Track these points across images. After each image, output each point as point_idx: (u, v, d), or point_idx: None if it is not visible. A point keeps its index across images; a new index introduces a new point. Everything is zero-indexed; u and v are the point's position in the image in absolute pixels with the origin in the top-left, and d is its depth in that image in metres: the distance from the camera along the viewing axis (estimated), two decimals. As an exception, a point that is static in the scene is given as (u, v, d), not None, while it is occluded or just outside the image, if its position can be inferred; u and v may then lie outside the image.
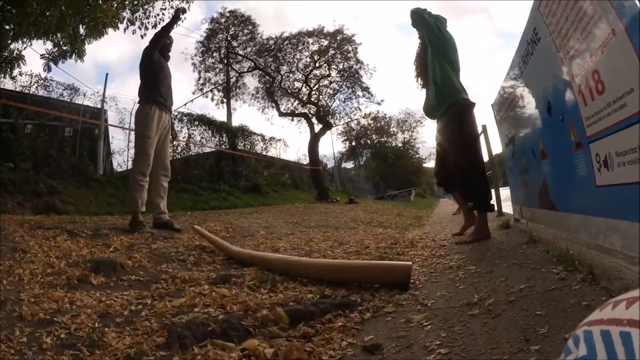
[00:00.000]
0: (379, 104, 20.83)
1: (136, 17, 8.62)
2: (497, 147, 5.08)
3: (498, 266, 2.30)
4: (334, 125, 20.12)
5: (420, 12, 3.58)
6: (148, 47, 4.59)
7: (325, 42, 18.31)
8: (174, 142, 11.99)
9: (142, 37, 8.73)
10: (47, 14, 7.10)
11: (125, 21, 8.52)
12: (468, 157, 3.37)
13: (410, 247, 3.58)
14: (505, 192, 5.49)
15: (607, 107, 1.55)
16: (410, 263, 2.31)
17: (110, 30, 8.32)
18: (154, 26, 8.88)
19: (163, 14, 9.03)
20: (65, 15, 7.12)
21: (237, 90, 19.45)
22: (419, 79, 3.97)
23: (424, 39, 3.76)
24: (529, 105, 2.92)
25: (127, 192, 4.52)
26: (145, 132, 4.28)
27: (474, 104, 3.50)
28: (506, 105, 3.82)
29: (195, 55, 19.01)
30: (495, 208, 3.89)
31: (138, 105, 4.52)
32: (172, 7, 9.16)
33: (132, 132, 4.34)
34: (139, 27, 8.70)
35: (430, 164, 43.90)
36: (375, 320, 1.73)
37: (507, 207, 5.46)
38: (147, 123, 4.29)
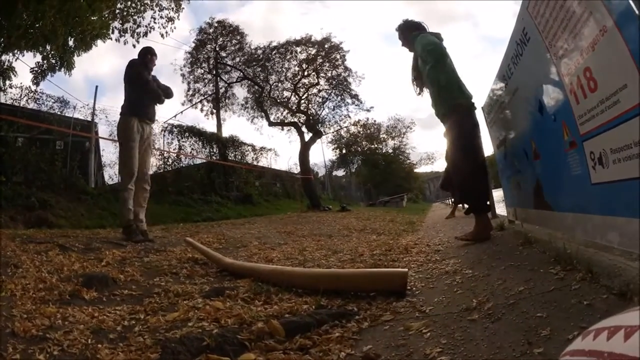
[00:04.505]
0: (368, 110, 20.80)
1: (127, 27, 8.67)
2: (489, 149, 5.08)
3: (495, 269, 2.28)
4: (324, 133, 20.10)
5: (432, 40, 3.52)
6: (134, 64, 4.73)
7: (313, 51, 18.35)
8: (161, 154, 11.96)
9: (134, 46, 8.79)
10: (37, 25, 7.08)
11: (116, 32, 8.57)
12: (461, 160, 3.42)
13: (405, 253, 3.56)
14: (498, 193, 5.49)
15: (600, 104, 1.54)
16: (406, 270, 2.29)
17: (100, 42, 8.35)
18: (145, 34, 8.92)
19: (154, 22, 9.08)
20: (55, 27, 7.09)
21: (227, 100, 19.40)
22: (416, 86, 3.89)
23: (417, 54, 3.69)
24: (520, 106, 2.92)
25: (119, 204, 4.66)
26: (127, 142, 4.48)
27: (474, 106, 3.47)
28: (496, 107, 3.82)
29: (184, 66, 18.99)
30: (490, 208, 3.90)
31: (120, 116, 4.71)
32: (161, 17, 9.21)
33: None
34: (130, 35, 8.76)
35: (422, 169, 44.13)
36: (373, 329, 1.70)
37: (501, 209, 5.47)
38: (128, 133, 4.49)
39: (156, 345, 1.56)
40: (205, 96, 18.96)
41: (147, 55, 4.83)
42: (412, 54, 3.86)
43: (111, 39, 8.57)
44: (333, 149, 32.13)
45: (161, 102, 4.83)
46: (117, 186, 4.94)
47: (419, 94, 3.88)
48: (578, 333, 1.17)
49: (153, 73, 4.94)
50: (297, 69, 18.52)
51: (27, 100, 10.39)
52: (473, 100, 3.49)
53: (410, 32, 3.75)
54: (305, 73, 18.53)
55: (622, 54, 1.32)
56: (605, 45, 1.43)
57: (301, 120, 18.52)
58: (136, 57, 4.86)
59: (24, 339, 1.59)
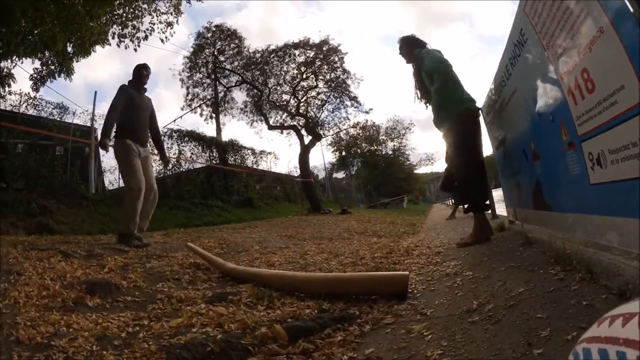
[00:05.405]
0: (367, 112, 20.72)
1: (126, 33, 8.72)
2: (488, 150, 5.08)
3: (495, 270, 2.29)
4: (323, 136, 20.05)
5: (437, 56, 3.72)
6: (121, 89, 4.82)
7: (312, 54, 18.31)
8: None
9: (135, 50, 8.87)
10: (36, 32, 7.11)
11: (115, 37, 8.61)
12: (461, 160, 3.53)
13: (406, 256, 3.56)
14: (497, 193, 5.49)
15: (598, 105, 1.54)
16: (407, 273, 2.30)
17: (99, 48, 8.38)
18: (145, 38, 8.97)
19: (152, 28, 9.12)
20: (54, 33, 7.11)
21: (226, 104, 19.36)
22: (418, 93, 4.13)
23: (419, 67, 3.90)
24: (519, 107, 2.92)
25: (122, 212, 4.69)
26: (127, 159, 4.57)
27: (474, 110, 3.61)
28: (495, 108, 3.83)
29: (182, 71, 18.99)
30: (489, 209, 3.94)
31: (114, 139, 4.76)
32: (160, 22, 9.26)
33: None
34: (130, 40, 8.79)
35: (422, 170, 44.07)
36: (375, 332, 1.71)
37: (501, 209, 5.46)
38: (125, 151, 4.59)
39: (161, 351, 1.57)
40: (205, 100, 18.94)
41: (139, 71, 4.95)
42: (408, 64, 4.13)
43: (110, 44, 8.61)
44: (333, 152, 32.10)
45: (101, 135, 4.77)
46: (123, 196, 5.02)
47: (426, 103, 4.08)
48: (577, 333, 1.18)
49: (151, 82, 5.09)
50: (295, 72, 18.47)
51: (26, 107, 10.44)
52: (478, 106, 3.66)
53: (415, 48, 3.97)
54: (304, 76, 18.48)
55: (619, 55, 1.33)
56: (602, 46, 1.44)
57: (300, 123, 18.49)
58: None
59: (29, 346, 1.59)
